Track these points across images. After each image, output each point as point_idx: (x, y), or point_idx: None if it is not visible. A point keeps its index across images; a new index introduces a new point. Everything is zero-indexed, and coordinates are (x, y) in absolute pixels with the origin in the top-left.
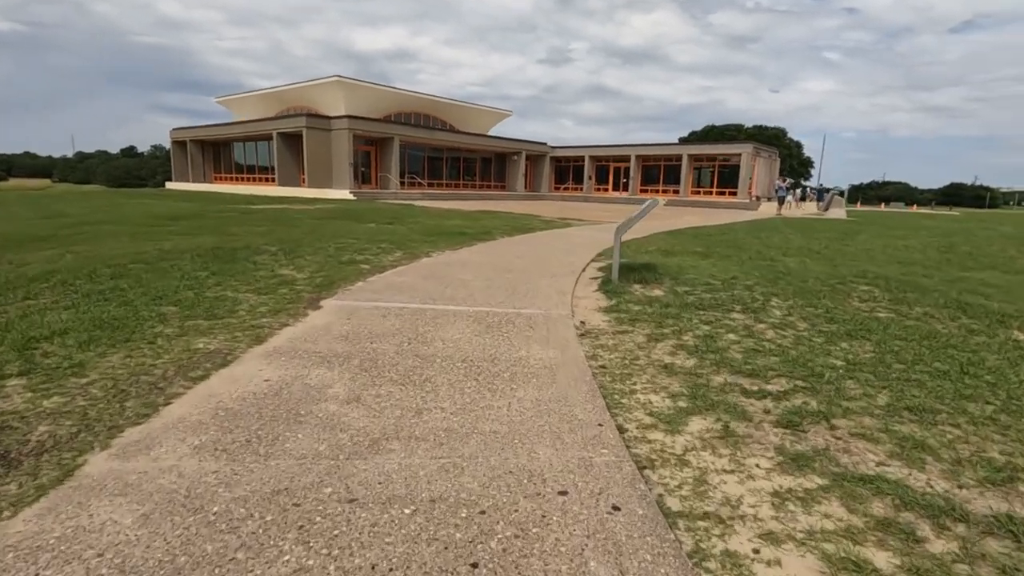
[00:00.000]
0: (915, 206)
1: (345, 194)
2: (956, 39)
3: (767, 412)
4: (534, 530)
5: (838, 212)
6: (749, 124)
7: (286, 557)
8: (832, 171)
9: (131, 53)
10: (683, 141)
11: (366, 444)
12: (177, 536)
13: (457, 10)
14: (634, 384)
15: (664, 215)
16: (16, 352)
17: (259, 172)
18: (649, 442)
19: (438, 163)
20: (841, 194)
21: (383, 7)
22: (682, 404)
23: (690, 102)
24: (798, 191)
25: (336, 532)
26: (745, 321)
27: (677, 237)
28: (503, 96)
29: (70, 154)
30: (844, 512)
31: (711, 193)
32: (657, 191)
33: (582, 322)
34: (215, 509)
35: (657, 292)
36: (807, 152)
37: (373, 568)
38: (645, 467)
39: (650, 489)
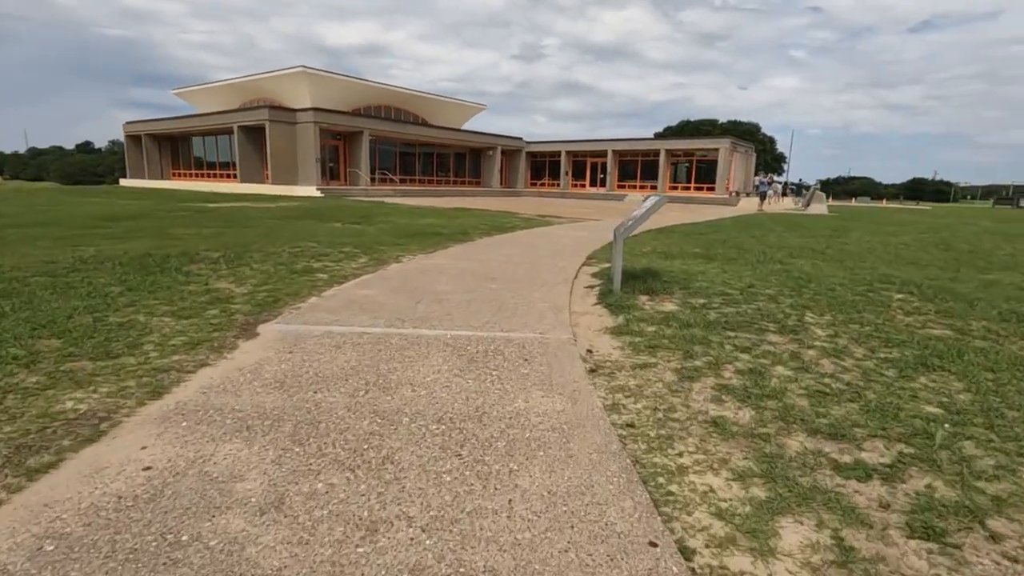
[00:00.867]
0: (884, 201)
1: (312, 191)
2: (915, 39)
3: (886, 507)
4: None
5: (819, 208)
6: (724, 119)
7: None
8: (800, 167)
9: (92, 45)
10: (658, 136)
11: None
12: None
13: (430, 5)
14: (680, 456)
15: None
16: None
17: (220, 168)
18: None
19: (410, 159)
20: (821, 190)
21: (354, 1)
22: (759, 493)
23: (662, 99)
24: (778, 186)
25: None
26: (788, 346)
27: (669, 236)
28: (477, 92)
29: (22, 150)
30: None
31: (689, 189)
32: (635, 187)
33: (589, 350)
34: None
35: (670, 306)
36: (780, 148)
37: None
38: None
39: None
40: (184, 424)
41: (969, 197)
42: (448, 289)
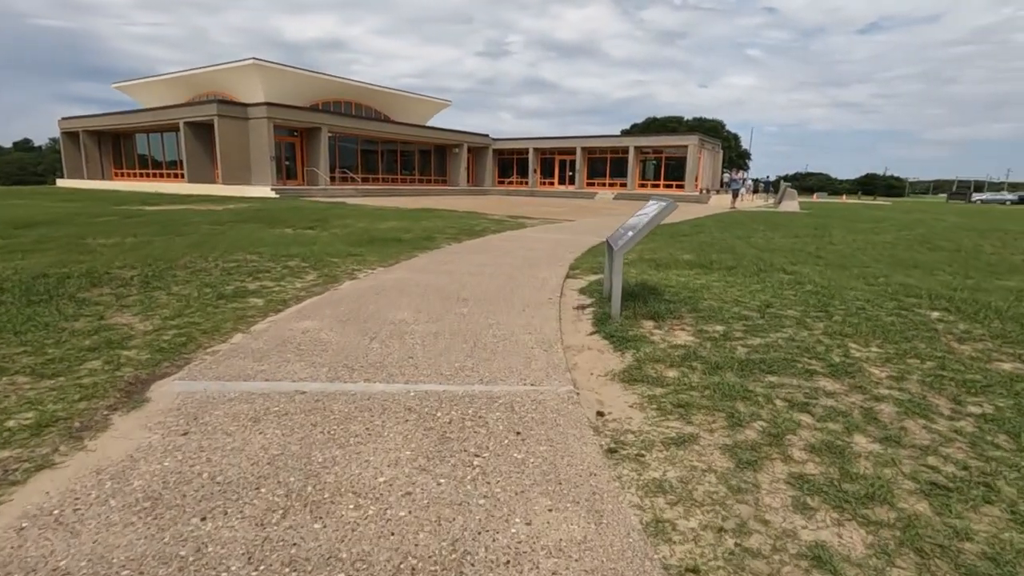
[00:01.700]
0: (844, 197)
1: (266, 191)
2: (863, 39)
3: None
4: None
5: (791, 205)
6: (688, 116)
7: None
8: (759, 163)
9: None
10: (626, 134)
11: None
12: None
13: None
14: None
15: (620, 210)
16: None
17: (166, 167)
18: None
19: (372, 156)
20: (792, 186)
21: None
22: None
23: (624, 96)
24: (749, 183)
25: None
26: (852, 398)
27: (653, 239)
28: (441, 88)
29: None
30: None
31: (658, 186)
32: (604, 185)
33: (600, 412)
34: None
35: (683, 336)
36: (743, 144)
37: None
38: None
39: None
40: None
41: (917, 192)
42: (411, 316)
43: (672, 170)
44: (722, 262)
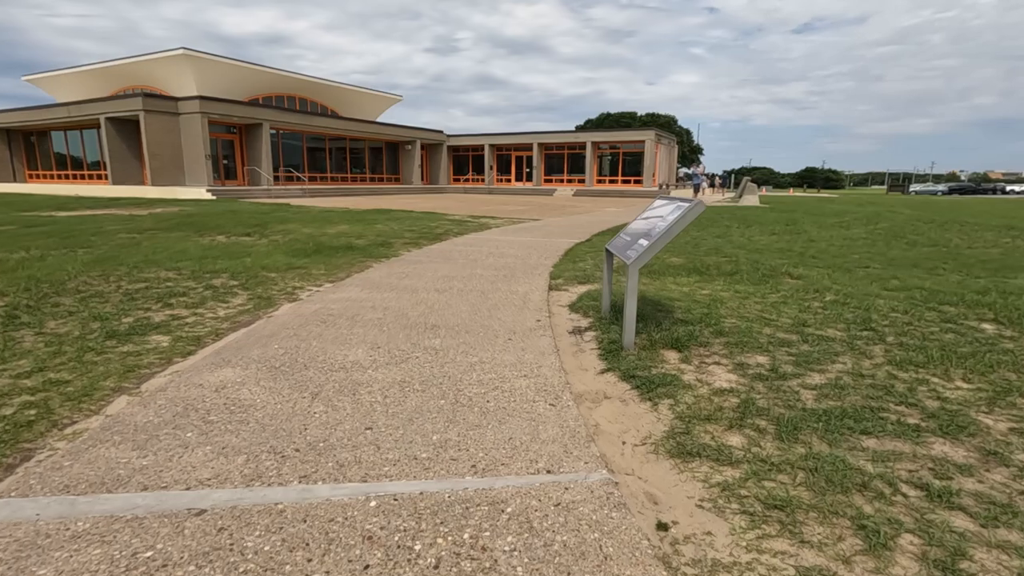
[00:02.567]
0: (791, 190)
1: (201, 193)
2: (798, 39)
3: None
4: None
5: (752, 199)
6: (641, 112)
7: None
8: (706, 158)
9: None
10: (580, 129)
11: None
12: None
13: None
14: None
15: (584, 207)
16: None
17: (88, 168)
18: None
19: (320, 154)
20: (753, 181)
21: None
22: None
23: (575, 93)
24: (707, 178)
25: None
26: (996, 475)
27: None
28: (393, 85)
29: None
30: None
31: (616, 182)
32: (562, 181)
33: (662, 526)
34: None
35: (722, 373)
36: (695, 139)
37: None
38: None
39: None
40: None
41: (859, 183)
42: (366, 357)
43: (630, 165)
44: (718, 267)
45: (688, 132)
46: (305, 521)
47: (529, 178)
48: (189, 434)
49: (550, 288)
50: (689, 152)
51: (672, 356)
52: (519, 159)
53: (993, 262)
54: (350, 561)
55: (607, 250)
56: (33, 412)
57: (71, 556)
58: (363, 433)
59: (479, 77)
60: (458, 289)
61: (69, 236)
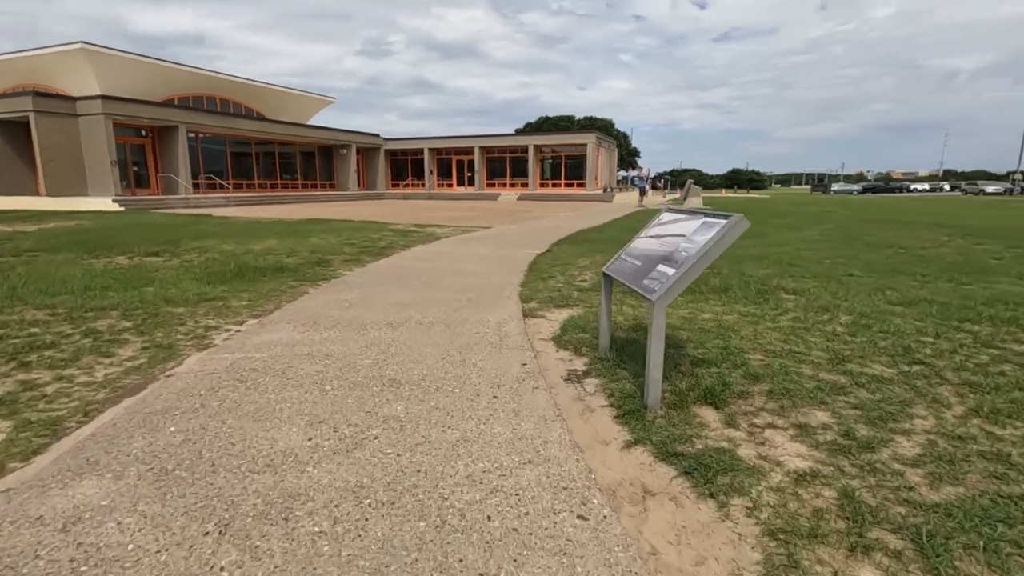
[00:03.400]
0: (723, 191)
1: (107, 203)
2: (719, 47)
3: None
4: None
5: (696, 202)
6: (579, 116)
7: None
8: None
9: None
10: (519, 133)
11: None
12: None
13: None
14: None
15: (533, 212)
16: None
17: None
18: None
19: (245, 159)
20: (696, 183)
21: None
22: None
23: (511, 97)
24: (649, 181)
25: None
26: None
27: (590, 251)
28: (324, 88)
29: None
30: None
31: (560, 185)
32: (505, 185)
33: None
34: None
35: (785, 442)
36: (632, 143)
37: None
38: None
39: None
40: None
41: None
42: (303, 444)
43: (572, 169)
44: (705, 280)
45: (625, 135)
46: None
47: (471, 183)
48: None
49: (525, 314)
50: (627, 155)
51: (710, 416)
52: (460, 163)
53: (964, 265)
54: None
55: (605, 275)
56: None
57: None
58: None
59: (414, 81)
60: (417, 321)
61: None
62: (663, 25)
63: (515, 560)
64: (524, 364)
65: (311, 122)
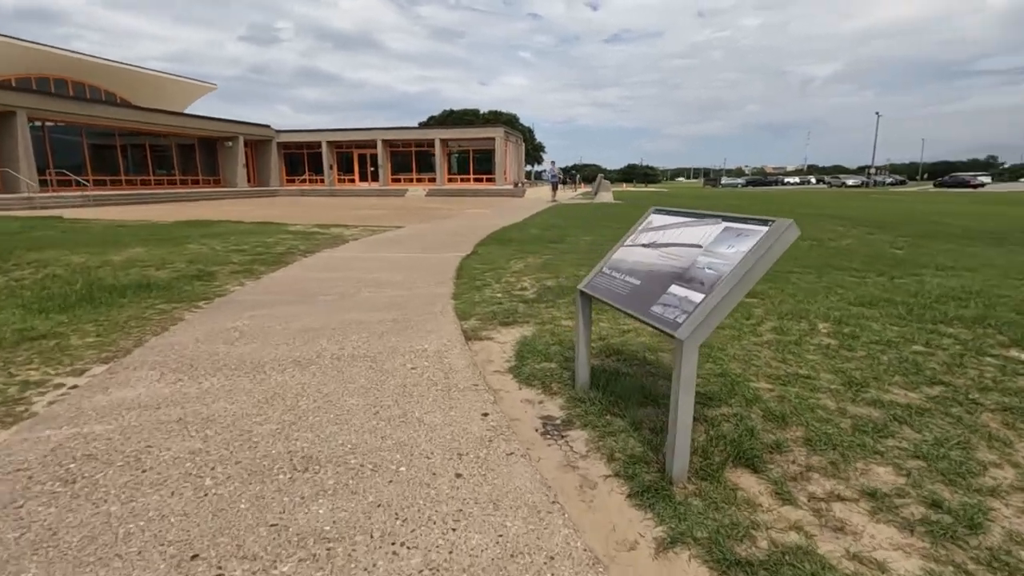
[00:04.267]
0: (624, 185)
1: None
2: (611, 48)
3: None
4: None
5: (607, 196)
6: (484, 110)
7: None
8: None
9: None
10: (424, 126)
11: None
12: None
13: None
14: None
15: (444, 209)
16: None
17: None
18: None
19: (109, 152)
20: (606, 177)
21: None
22: None
23: (411, 90)
24: (559, 175)
25: None
26: None
27: (523, 250)
28: (204, 76)
29: None
30: None
31: (468, 180)
32: (411, 180)
33: None
34: None
35: (876, 530)
36: (537, 138)
37: None
38: None
39: None
40: None
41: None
42: None
43: (480, 163)
44: None
45: (530, 130)
46: None
47: (375, 178)
48: None
49: (468, 337)
50: (533, 150)
51: (752, 485)
52: (362, 157)
53: (880, 258)
54: None
55: (583, 294)
56: None
57: None
58: None
59: (306, 71)
60: (333, 356)
61: None
62: (559, 24)
63: None
64: (485, 414)
65: (189, 111)
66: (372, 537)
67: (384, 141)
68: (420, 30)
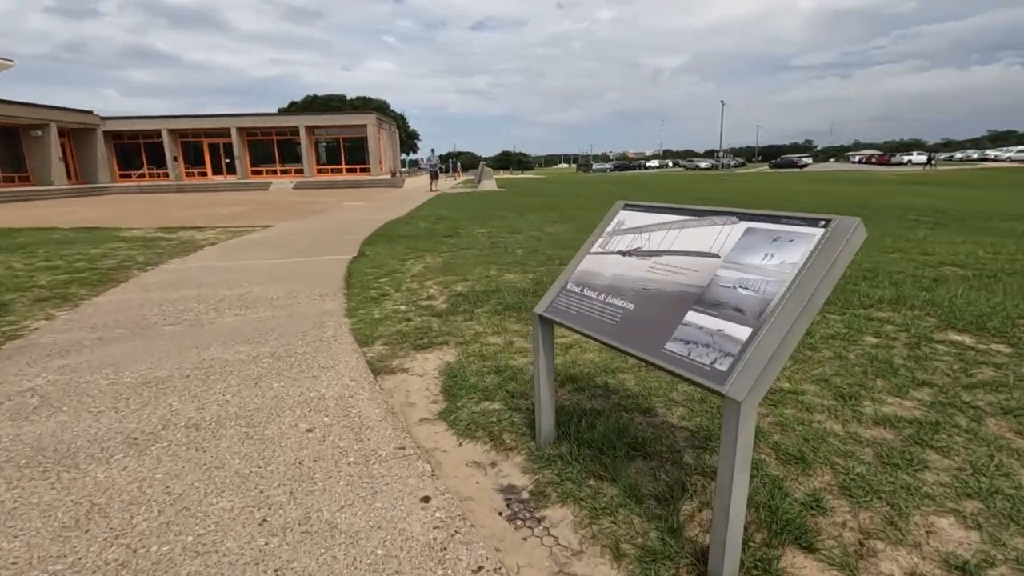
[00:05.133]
0: (502, 172)
1: None
2: (477, 35)
3: None
4: None
5: (490, 184)
6: (352, 96)
7: None
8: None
9: None
10: (285, 113)
11: None
12: None
13: None
14: None
15: (316, 203)
16: None
17: None
18: None
19: None
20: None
21: None
22: None
23: (266, 75)
24: (437, 163)
25: None
26: None
27: (422, 246)
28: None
29: None
30: None
31: (341, 171)
32: (275, 172)
33: None
34: None
35: None
36: (411, 125)
37: None
38: None
39: None
40: None
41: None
42: None
43: (353, 152)
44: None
45: (403, 117)
46: None
47: (232, 170)
48: None
49: (375, 370)
50: (407, 138)
51: (815, 574)
52: (214, 147)
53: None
54: None
55: (542, 318)
56: None
57: None
58: None
59: (135, 50)
60: (186, 425)
61: None
62: (423, 8)
63: None
64: (426, 499)
65: None
66: None
67: (240, 129)
68: (271, 9)
